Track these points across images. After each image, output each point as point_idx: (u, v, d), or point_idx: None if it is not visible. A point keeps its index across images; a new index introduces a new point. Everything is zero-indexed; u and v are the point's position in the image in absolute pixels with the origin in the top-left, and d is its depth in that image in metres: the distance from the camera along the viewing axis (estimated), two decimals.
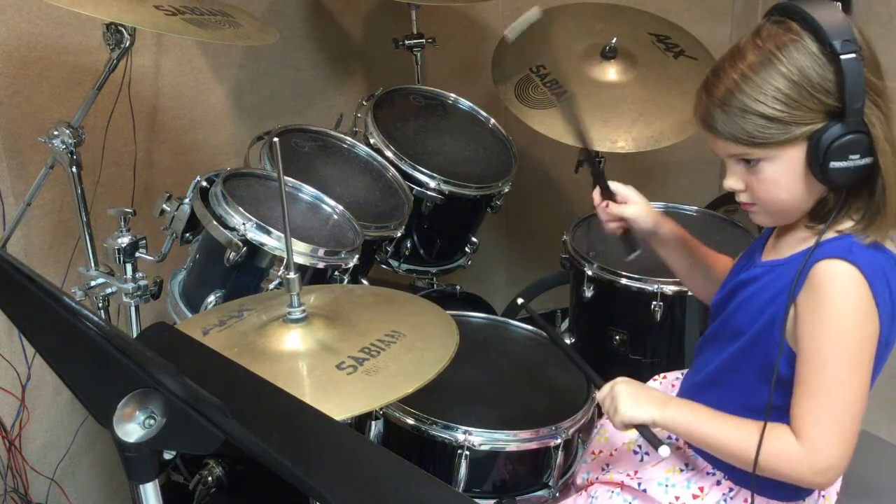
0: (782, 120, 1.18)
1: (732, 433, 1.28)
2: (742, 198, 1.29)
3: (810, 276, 1.22)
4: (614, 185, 1.55)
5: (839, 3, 2.21)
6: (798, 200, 1.25)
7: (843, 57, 1.14)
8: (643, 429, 1.36)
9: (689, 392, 1.49)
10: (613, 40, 2.29)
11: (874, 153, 1.18)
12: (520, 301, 1.71)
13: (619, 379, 1.38)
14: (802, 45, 1.17)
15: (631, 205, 1.53)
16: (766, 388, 1.27)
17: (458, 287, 2.34)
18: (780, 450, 1.24)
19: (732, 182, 1.28)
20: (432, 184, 2.04)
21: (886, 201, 1.20)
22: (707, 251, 1.58)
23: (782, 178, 1.23)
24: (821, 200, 1.25)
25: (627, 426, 1.36)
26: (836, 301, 1.20)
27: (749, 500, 1.37)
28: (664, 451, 1.31)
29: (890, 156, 1.19)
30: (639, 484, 1.43)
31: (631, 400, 1.34)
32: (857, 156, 1.17)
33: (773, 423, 1.25)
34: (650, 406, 1.33)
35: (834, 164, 1.17)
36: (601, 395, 1.40)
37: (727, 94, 1.21)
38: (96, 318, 0.75)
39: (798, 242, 1.29)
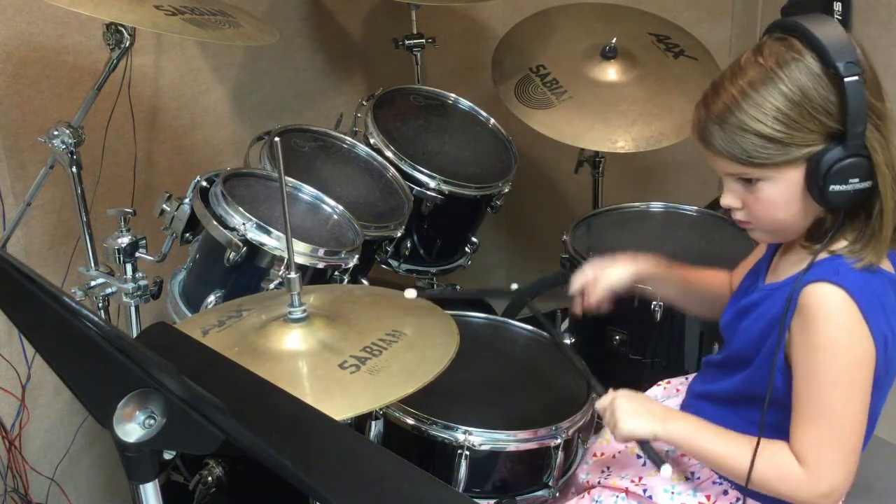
0: (781, 141, 1.16)
1: (733, 450, 1.27)
2: (738, 216, 1.28)
3: (799, 301, 1.21)
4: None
5: (839, 5, 2.22)
6: (795, 220, 1.24)
7: (846, 79, 1.12)
8: (645, 446, 1.36)
9: (698, 399, 1.48)
10: (613, 40, 2.29)
11: (874, 177, 1.16)
12: (514, 286, 1.65)
13: (620, 392, 1.37)
14: (805, 64, 1.15)
15: (602, 284, 1.54)
16: (777, 412, 1.27)
17: (458, 287, 2.34)
18: (782, 473, 1.24)
19: (730, 200, 1.26)
20: (432, 184, 2.04)
21: (883, 224, 1.19)
22: (696, 273, 1.57)
23: (780, 198, 1.21)
24: (817, 220, 1.24)
25: (628, 440, 1.36)
26: (825, 325, 1.19)
27: None
28: (665, 470, 1.32)
29: (889, 180, 1.17)
30: (644, 490, 1.43)
31: (632, 414, 1.33)
32: (857, 180, 1.15)
33: (773, 441, 1.25)
34: (651, 420, 1.33)
35: (834, 188, 1.16)
36: (601, 405, 1.39)
37: (725, 110, 1.18)
38: (96, 318, 0.75)
39: (794, 264, 1.28)
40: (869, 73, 1.16)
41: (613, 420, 1.34)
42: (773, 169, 1.19)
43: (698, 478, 1.42)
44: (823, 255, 1.23)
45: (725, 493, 1.39)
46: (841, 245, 1.23)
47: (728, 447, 1.29)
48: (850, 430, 1.21)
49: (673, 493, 1.41)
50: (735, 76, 1.19)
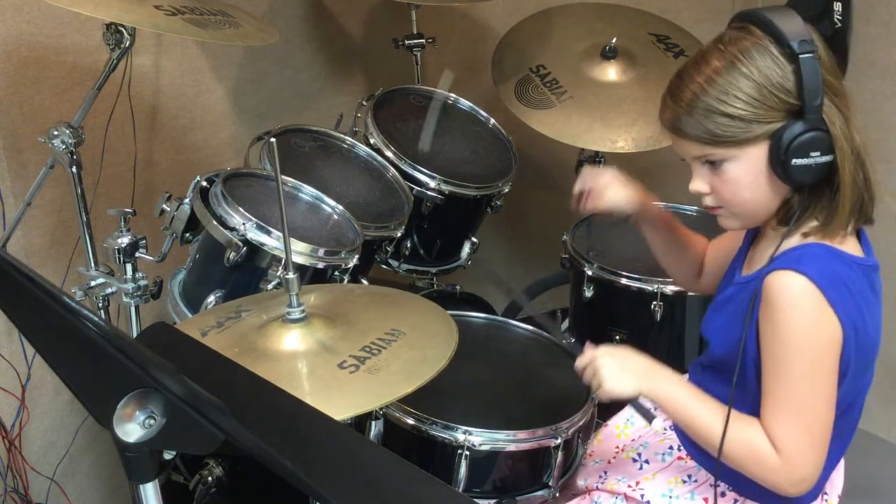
0: (744, 118, 1.20)
1: (711, 418, 1.27)
2: (707, 201, 1.30)
3: (764, 291, 1.23)
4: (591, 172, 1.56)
5: (839, 5, 2.22)
6: (762, 201, 1.26)
7: (801, 56, 1.17)
8: (633, 401, 1.34)
9: None
10: (613, 40, 2.29)
11: (833, 150, 1.19)
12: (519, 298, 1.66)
13: (601, 349, 1.35)
14: (763, 47, 1.20)
15: (608, 196, 1.54)
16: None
17: (458, 287, 2.34)
18: (758, 456, 1.24)
19: (698, 185, 1.29)
20: (432, 184, 2.04)
21: (842, 196, 1.22)
22: (685, 230, 1.59)
23: (745, 178, 1.24)
24: (785, 202, 1.26)
25: (612, 399, 1.35)
26: (788, 313, 1.21)
27: None
28: (655, 424, 1.31)
29: (848, 153, 1.20)
30: (642, 496, 1.43)
31: (617, 371, 1.32)
32: (818, 153, 1.19)
33: (749, 418, 1.26)
34: (635, 378, 1.32)
35: (796, 162, 1.19)
36: (581, 363, 1.36)
37: (693, 97, 1.22)
38: (96, 318, 0.75)
39: (765, 251, 1.29)
40: (824, 55, 1.20)
41: (597, 379, 1.32)
42: (737, 147, 1.22)
43: (695, 480, 1.41)
44: (795, 240, 1.25)
45: (723, 494, 1.38)
46: (812, 225, 1.24)
47: (708, 414, 1.28)
48: (818, 418, 1.22)
49: (671, 497, 1.41)
50: (700, 65, 1.24)
